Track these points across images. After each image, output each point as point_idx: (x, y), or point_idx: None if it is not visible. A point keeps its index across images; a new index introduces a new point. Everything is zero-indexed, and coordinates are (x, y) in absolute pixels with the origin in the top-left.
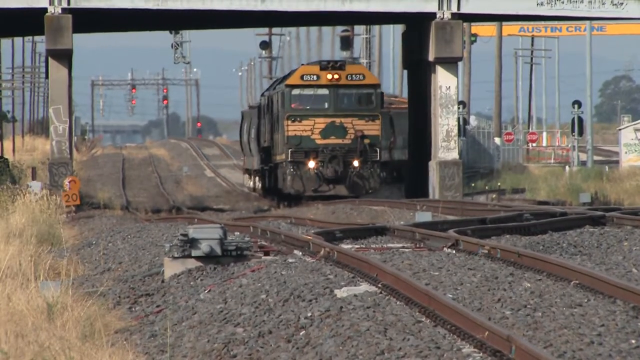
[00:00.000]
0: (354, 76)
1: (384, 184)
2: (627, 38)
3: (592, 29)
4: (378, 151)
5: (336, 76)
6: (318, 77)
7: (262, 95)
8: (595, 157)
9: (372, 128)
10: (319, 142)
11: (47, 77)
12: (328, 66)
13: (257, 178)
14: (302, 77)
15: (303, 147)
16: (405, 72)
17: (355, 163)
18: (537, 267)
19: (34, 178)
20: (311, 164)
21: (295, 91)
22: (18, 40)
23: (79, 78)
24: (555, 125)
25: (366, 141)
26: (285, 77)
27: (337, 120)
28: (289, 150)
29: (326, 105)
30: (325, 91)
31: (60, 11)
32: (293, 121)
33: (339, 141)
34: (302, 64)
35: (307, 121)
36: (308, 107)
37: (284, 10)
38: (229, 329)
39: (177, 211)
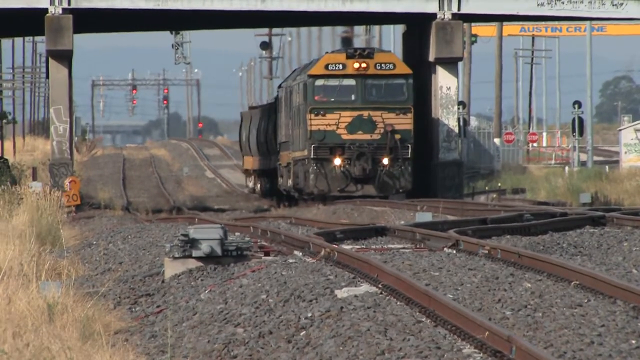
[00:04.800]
0: (383, 65)
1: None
2: (627, 38)
3: (592, 29)
4: (410, 147)
5: (364, 65)
6: (344, 66)
7: (280, 87)
8: (596, 158)
9: (404, 122)
10: (345, 137)
11: (47, 77)
12: (355, 54)
13: (260, 179)
14: (326, 67)
15: (327, 143)
16: None
17: (385, 161)
18: (537, 267)
19: (34, 178)
20: (337, 161)
21: (319, 82)
22: (18, 40)
23: (79, 78)
24: (556, 125)
25: (397, 136)
26: (306, 67)
27: (365, 113)
28: (312, 146)
29: (353, 97)
30: (351, 81)
31: (60, 11)
32: (316, 115)
33: (367, 136)
34: (327, 52)
35: (332, 115)
36: (333, 99)
37: (284, 10)
38: (229, 329)
39: (177, 211)
